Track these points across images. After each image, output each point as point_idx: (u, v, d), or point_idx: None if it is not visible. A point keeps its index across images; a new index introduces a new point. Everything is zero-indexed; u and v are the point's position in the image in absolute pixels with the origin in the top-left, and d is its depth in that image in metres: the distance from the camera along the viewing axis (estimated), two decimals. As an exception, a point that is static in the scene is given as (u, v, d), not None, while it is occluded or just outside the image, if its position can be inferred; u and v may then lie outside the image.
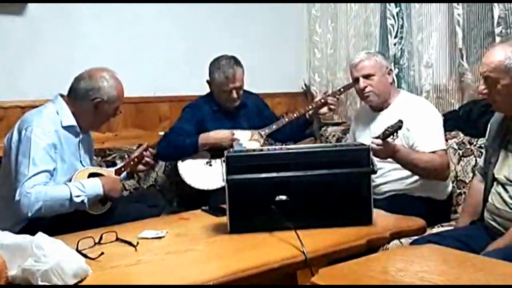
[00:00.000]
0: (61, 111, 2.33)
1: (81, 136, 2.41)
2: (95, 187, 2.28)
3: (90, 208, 2.28)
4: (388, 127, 2.30)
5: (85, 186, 2.24)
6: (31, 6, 2.96)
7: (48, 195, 2.16)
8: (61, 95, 2.39)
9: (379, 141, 2.29)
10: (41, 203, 2.14)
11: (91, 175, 2.37)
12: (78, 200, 2.21)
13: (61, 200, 2.19)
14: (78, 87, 2.35)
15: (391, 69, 2.75)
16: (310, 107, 3.10)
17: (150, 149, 2.58)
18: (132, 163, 2.55)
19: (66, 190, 2.21)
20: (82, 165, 2.42)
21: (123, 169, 2.53)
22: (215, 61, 2.98)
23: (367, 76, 2.67)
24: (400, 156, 2.43)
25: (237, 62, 2.96)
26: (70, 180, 2.29)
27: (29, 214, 2.14)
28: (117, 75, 2.42)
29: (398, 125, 2.28)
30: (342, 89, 3.14)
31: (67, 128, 2.34)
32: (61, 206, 2.19)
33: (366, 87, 2.67)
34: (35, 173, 2.17)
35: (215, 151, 2.93)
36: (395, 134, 2.28)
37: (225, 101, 3.00)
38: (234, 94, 2.96)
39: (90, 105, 2.35)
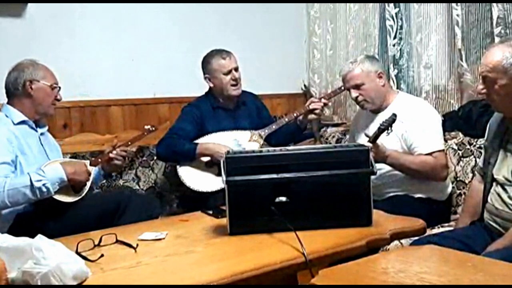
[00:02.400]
0: (9, 113, 2.40)
1: (39, 131, 2.46)
2: (55, 170, 2.28)
3: (61, 195, 2.29)
4: (383, 122, 2.34)
5: (45, 171, 2.25)
6: (31, 7, 2.96)
7: (8, 184, 2.17)
8: (7, 103, 2.45)
9: (369, 144, 2.32)
10: (3, 193, 2.16)
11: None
12: (38, 184, 2.20)
13: (22, 187, 2.18)
14: (9, 82, 2.44)
15: (381, 72, 2.73)
16: (297, 113, 3.09)
17: (117, 149, 2.58)
18: (107, 158, 2.57)
19: (26, 177, 2.22)
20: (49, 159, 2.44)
21: (99, 160, 2.56)
22: (206, 55, 3.03)
23: (356, 86, 2.70)
24: (390, 161, 2.50)
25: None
26: None
27: None
28: (38, 61, 2.48)
29: (392, 118, 2.31)
30: (331, 93, 3.16)
31: (20, 123, 2.39)
32: (24, 194, 2.19)
33: (357, 96, 2.71)
34: None
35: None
36: (389, 128, 2.32)
37: (229, 88, 2.98)
38: (236, 74, 2.98)
39: (24, 90, 2.40)
